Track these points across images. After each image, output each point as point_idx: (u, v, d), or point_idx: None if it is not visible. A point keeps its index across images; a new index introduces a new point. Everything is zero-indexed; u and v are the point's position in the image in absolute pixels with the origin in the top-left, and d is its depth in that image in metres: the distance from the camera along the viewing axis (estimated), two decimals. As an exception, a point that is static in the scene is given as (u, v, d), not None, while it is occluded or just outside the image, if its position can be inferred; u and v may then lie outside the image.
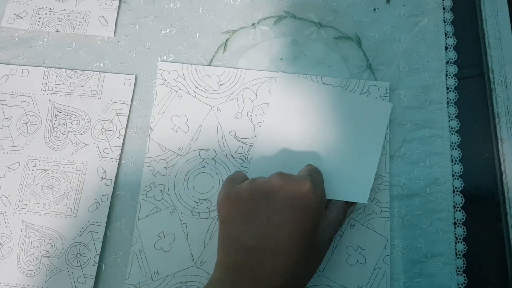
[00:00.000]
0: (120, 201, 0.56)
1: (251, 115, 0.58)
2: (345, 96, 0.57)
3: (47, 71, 0.59)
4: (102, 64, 0.61)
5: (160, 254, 0.53)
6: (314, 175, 0.47)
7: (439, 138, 0.58)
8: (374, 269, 0.53)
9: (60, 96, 0.59)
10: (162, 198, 0.55)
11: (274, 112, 0.57)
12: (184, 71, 0.60)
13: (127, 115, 0.58)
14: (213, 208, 0.55)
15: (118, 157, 0.57)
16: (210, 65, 0.60)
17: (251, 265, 0.41)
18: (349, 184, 0.53)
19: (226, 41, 0.61)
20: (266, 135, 0.56)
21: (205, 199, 0.55)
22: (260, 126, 0.57)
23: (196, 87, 0.59)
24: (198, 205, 0.55)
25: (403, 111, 0.59)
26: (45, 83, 0.59)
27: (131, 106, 0.59)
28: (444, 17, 0.62)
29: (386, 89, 0.58)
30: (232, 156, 0.57)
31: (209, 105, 0.58)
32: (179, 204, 0.55)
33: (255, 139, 0.56)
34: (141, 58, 0.61)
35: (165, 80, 0.59)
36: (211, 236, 0.54)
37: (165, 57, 0.61)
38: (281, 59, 0.60)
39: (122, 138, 0.58)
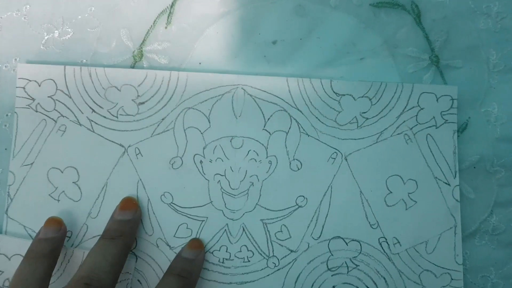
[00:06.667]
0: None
1: (201, 161, 0.40)
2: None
3: None
4: None
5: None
6: None
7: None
8: None
9: None
10: None
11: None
12: (68, 80, 0.40)
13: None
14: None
15: None
16: (142, 50, 0.41)
17: None
18: None
19: (172, 5, 0.42)
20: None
21: None
22: (219, 182, 0.40)
23: (93, 111, 0.41)
24: None
25: (494, 146, 0.42)
26: None
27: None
28: None
29: (452, 99, 0.41)
30: (169, 245, 0.40)
31: (120, 144, 0.41)
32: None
33: (211, 206, 0.39)
34: (12, 34, 0.42)
35: (32, 99, 0.40)
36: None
37: (56, 33, 0.41)
38: (273, 42, 0.42)
39: None
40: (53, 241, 0.36)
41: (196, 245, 0.38)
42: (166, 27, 0.42)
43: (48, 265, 0.35)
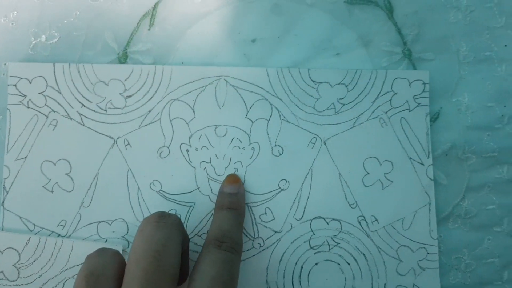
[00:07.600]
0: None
1: (187, 150, 0.40)
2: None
3: None
4: None
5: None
6: None
7: (526, 182, 0.41)
8: None
9: None
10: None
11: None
12: (57, 76, 0.40)
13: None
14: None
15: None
16: (126, 52, 0.41)
17: None
18: None
19: (155, 8, 0.41)
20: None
21: None
22: (205, 169, 0.40)
23: (83, 105, 0.40)
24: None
25: (465, 134, 0.41)
26: None
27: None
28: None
29: (424, 84, 0.41)
30: None
31: (109, 136, 0.40)
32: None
33: (198, 192, 0.40)
34: (0, 39, 0.41)
35: (24, 96, 0.40)
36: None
37: (43, 38, 0.40)
38: (253, 41, 0.42)
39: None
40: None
41: (234, 179, 0.39)
42: (149, 29, 0.41)
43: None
